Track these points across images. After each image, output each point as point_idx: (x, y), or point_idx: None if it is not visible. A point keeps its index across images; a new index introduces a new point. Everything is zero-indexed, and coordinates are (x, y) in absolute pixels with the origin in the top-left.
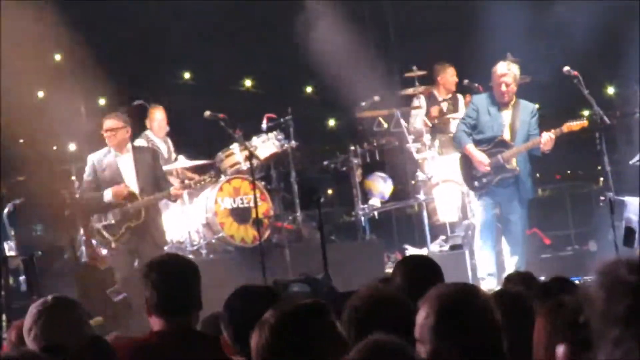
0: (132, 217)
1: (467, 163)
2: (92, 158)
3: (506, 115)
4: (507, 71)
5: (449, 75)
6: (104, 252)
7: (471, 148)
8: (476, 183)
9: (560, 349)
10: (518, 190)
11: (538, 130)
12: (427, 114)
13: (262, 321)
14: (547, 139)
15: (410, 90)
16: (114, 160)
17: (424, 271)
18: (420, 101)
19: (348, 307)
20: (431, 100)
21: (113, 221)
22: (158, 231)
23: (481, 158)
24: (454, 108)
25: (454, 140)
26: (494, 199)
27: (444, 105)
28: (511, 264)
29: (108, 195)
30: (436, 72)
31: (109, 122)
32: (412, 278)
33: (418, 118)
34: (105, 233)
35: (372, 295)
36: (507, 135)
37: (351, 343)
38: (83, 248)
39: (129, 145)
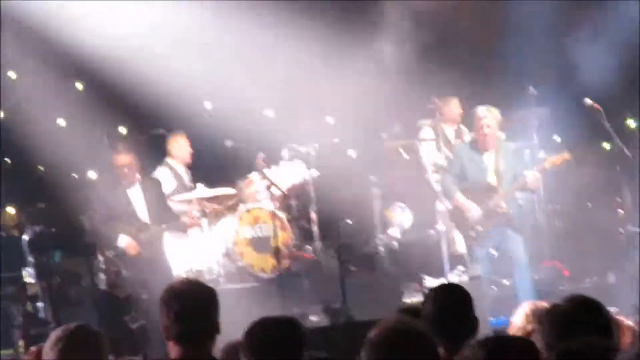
0: (144, 249)
1: (459, 214)
2: (102, 189)
3: (489, 159)
4: (487, 114)
5: (453, 107)
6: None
7: (461, 198)
8: (472, 233)
9: None
10: (511, 227)
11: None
12: (447, 145)
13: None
14: (532, 178)
15: (420, 122)
16: (124, 192)
17: (454, 299)
18: (427, 133)
19: (374, 337)
20: (441, 132)
21: (124, 250)
22: (166, 261)
23: (471, 207)
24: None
25: (442, 193)
26: (490, 243)
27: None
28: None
29: (122, 242)
30: (439, 104)
31: (125, 159)
32: (443, 306)
33: (427, 150)
34: (116, 261)
35: (397, 327)
36: (493, 180)
37: None
38: (102, 275)
39: (137, 176)
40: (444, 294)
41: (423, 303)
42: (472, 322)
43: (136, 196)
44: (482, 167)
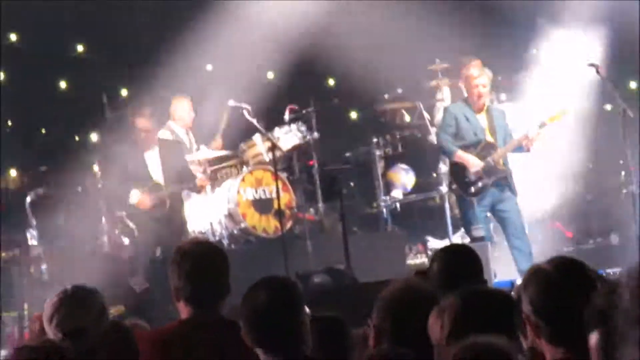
0: (157, 207)
1: (458, 170)
2: (120, 150)
3: (482, 119)
4: (481, 73)
5: (472, 69)
6: (126, 240)
7: (462, 153)
8: (472, 189)
9: (593, 337)
10: (508, 185)
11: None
12: None
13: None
14: (534, 133)
15: (434, 83)
16: (141, 154)
17: (462, 260)
18: (444, 94)
19: (385, 298)
20: (456, 93)
21: (136, 205)
22: (181, 221)
23: (474, 161)
24: None
25: (442, 151)
26: (489, 201)
27: None
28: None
29: (134, 198)
30: (462, 65)
31: (145, 123)
32: (450, 266)
33: (441, 110)
34: (128, 222)
35: (409, 288)
36: (489, 138)
37: (386, 334)
38: (105, 238)
39: (155, 138)
40: (451, 255)
41: (430, 264)
42: (480, 284)
43: (153, 159)
44: (479, 127)
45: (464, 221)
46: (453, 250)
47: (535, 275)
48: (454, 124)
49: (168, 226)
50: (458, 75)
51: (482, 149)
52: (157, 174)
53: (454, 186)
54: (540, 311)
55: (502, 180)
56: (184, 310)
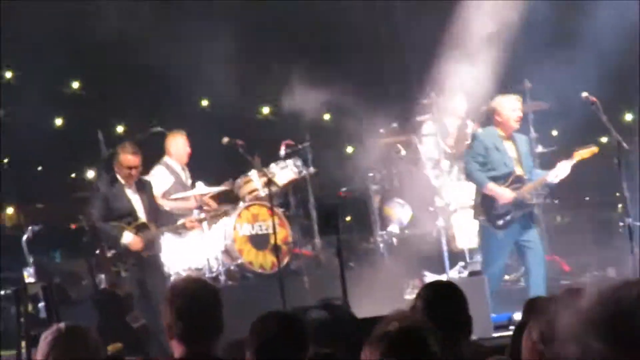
0: (145, 248)
1: (489, 202)
2: (101, 186)
3: (510, 148)
4: (518, 102)
5: (457, 102)
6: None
7: (493, 186)
8: (500, 222)
9: None
10: (531, 216)
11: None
12: (445, 140)
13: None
14: (564, 170)
15: (420, 118)
16: (123, 191)
17: (443, 296)
18: (430, 128)
19: (379, 335)
20: (440, 127)
21: (128, 246)
22: (163, 262)
23: (506, 194)
24: (464, 135)
25: (471, 181)
26: (513, 235)
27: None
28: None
29: (127, 239)
30: (446, 99)
31: (135, 160)
32: (432, 302)
33: (429, 145)
34: (115, 262)
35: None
36: (519, 170)
37: None
38: (102, 275)
39: None
40: (433, 291)
41: (414, 300)
42: (463, 321)
43: (134, 196)
44: (509, 157)
45: (484, 252)
46: (435, 287)
47: (546, 305)
48: (483, 152)
49: (155, 267)
50: (442, 109)
51: (512, 181)
52: (140, 212)
53: (481, 217)
54: (549, 341)
55: (527, 213)
56: (177, 348)
